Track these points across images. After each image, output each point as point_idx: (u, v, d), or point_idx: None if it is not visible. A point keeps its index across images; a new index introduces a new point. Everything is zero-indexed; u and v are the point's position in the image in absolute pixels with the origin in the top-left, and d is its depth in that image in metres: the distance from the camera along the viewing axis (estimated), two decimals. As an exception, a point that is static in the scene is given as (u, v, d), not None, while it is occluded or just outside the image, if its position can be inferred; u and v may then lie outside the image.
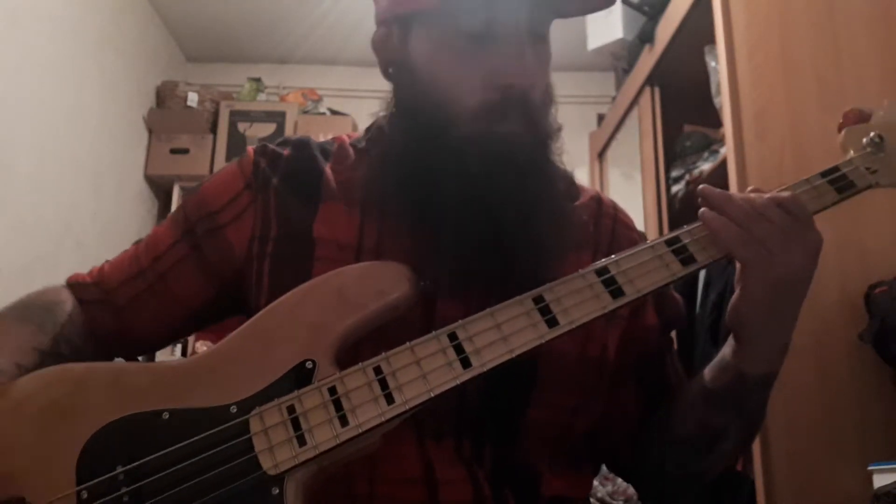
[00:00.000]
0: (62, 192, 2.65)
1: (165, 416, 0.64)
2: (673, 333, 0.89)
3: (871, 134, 0.79)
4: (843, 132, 0.81)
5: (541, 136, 0.76)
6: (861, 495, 1.20)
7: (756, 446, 1.36)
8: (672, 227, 2.02)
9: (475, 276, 0.72)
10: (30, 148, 2.45)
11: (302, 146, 0.85)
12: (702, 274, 1.90)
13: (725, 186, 1.55)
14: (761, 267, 0.68)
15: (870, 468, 1.17)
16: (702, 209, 0.71)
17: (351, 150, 0.85)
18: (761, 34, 1.56)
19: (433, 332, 0.66)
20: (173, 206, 3.22)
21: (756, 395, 0.75)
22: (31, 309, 0.79)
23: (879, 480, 1.14)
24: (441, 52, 0.76)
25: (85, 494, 0.61)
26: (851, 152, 0.79)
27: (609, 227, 0.85)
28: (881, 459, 1.19)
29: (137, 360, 0.91)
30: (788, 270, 0.68)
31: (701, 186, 0.72)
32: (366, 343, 0.68)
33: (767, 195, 0.71)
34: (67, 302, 0.82)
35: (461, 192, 0.71)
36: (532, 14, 0.75)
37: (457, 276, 0.71)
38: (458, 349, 0.65)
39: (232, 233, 0.81)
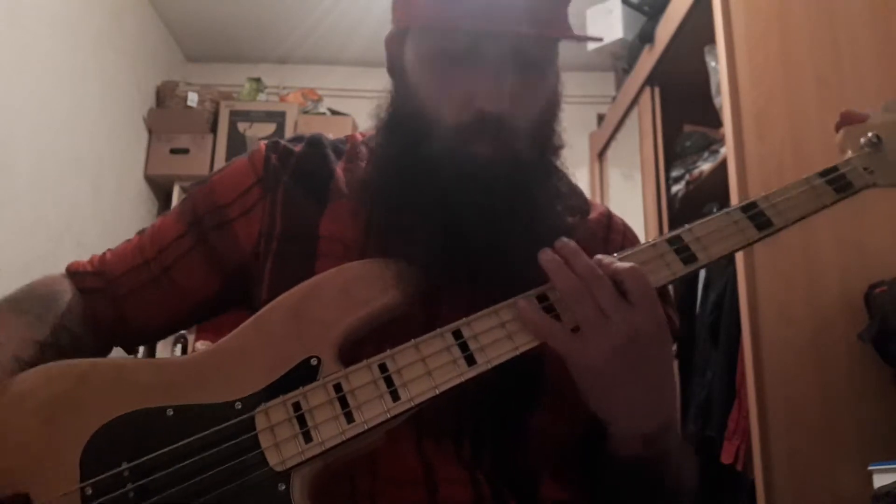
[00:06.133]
0: (62, 192, 2.65)
1: (170, 412, 0.64)
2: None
3: (869, 134, 0.79)
4: (840, 132, 0.81)
5: (519, 155, 0.74)
6: (861, 495, 1.20)
7: (756, 446, 1.36)
8: (672, 227, 2.03)
9: (445, 285, 0.72)
10: (30, 148, 2.45)
11: (315, 144, 0.85)
12: (702, 274, 1.90)
13: (725, 186, 1.55)
14: (570, 354, 0.64)
15: (870, 468, 1.18)
16: (517, 298, 0.66)
17: (363, 149, 0.85)
18: (761, 34, 1.56)
19: (437, 330, 0.66)
20: (173, 206, 3.22)
21: (629, 477, 0.70)
22: (29, 299, 0.79)
23: (879, 480, 1.14)
24: (425, 69, 0.76)
25: (90, 491, 0.60)
26: (849, 152, 0.79)
27: (619, 242, 0.85)
28: (881, 459, 1.19)
29: (137, 350, 0.91)
30: (596, 360, 0.63)
31: (541, 252, 0.66)
32: (367, 340, 0.68)
33: (616, 264, 0.65)
34: (67, 291, 0.82)
35: (432, 203, 0.72)
36: (521, 41, 0.74)
37: (426, 283, 0.71)
38: (463, 347, 0.65)
39: (240, 228, 0.81)
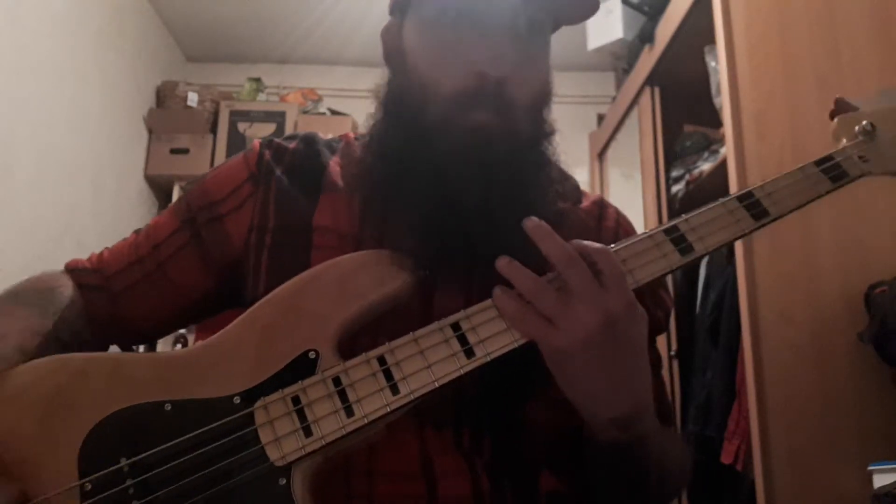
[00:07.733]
0: (62, 192, 2.65)
1: (168, 407, 0.64)
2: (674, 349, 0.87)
3: (864, 122, 0.79)
4: (835, 121, 0.82)
5: (517, 129, 0.73)
6: (861, 495, 1.20)
7: (756, 446, 1.36)
8: (672, 227, 2.04)
9: (441, 261, 0.71)
10: (30, 148, 2.45)
11: (308, 140, 0.86)
12: (702, 273, 1.90)
13: (725, 186, 1.55)
14: (543, 339, 0.63)
15: (870, 468, 1.17)
16: (496, 288, 0.65)
17: (356, 146, 0.86)
18: (761, 34, 1.56)
19: (436, 323, 0.65)
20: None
21: (609, 463, 0.69)
22: (32, 292, 0.79)
23: (879, 480, 1.14)
24: (426, 37, 0.76)
25: (89, 486, 0.60)
26: (844, 141, 0.79)
27: (612, 229, 0.85)
28: (881, 459, 1.19)
29: (133, 349, 0.90)
30: (569, 345, 0.61)
31: (499, 261, 0.64)
32: (363, 333, 0.68)
33: (586, 244, 0.64)
34: (67, 286, 0.82)
35: (428, 179, 0.71)
36: (522, 9, 0.75)
37: (422, 260, 0.71)
38: (462, 340, 0.64)
39: (231, 223, 0.81)
